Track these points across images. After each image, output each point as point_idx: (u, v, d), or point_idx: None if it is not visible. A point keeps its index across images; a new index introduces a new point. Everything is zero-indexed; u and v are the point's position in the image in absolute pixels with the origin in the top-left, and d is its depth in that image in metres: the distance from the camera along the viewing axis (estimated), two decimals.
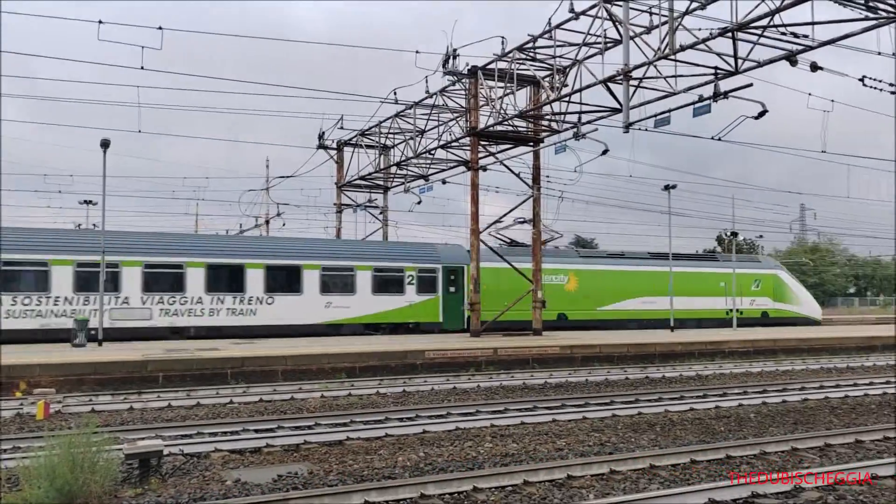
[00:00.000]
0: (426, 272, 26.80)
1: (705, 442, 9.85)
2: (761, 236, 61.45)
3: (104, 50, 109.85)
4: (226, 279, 24.79)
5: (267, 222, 40.99)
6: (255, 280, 25.03)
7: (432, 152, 27.53)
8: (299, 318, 25.43)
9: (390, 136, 29.44)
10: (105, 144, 20.94)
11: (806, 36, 15.72)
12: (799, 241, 72.53)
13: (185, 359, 16.61)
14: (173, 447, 9.01)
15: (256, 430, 10.39)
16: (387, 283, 26.98)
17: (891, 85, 17.15)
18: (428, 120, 26.87)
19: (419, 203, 31.63)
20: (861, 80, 16.90)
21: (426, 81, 25.26)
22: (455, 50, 23.49)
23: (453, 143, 26.64)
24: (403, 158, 28.97)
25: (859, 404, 13.49)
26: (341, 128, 31.04)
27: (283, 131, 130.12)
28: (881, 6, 14.07)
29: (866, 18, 14.50)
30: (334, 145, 32.83)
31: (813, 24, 15.29)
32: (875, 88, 17.06)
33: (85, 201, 43.37)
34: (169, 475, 7.92)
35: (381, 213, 33.94)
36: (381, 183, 33.33)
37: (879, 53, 15.18)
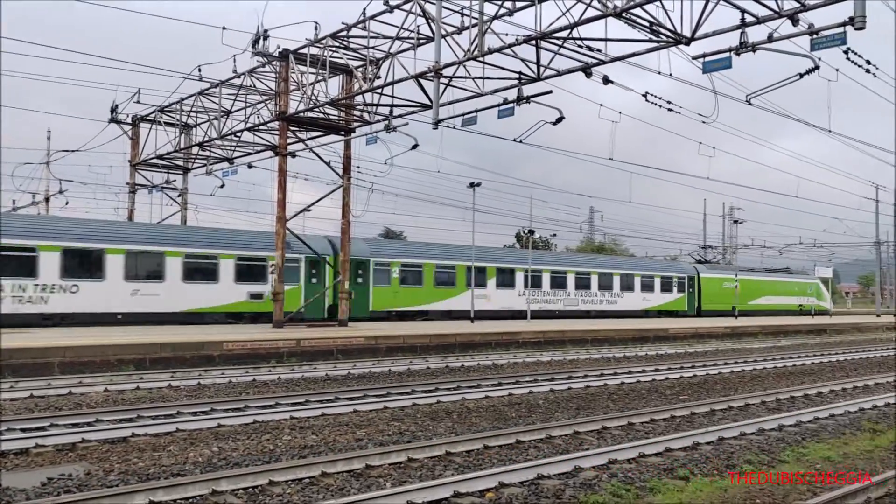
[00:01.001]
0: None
1: (498, 428, 10.34)
2: (555, 234, 65.82)
3: None
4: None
5: (47, 200, 37.07)
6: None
7: (238, 135, 26.42)
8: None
9: (193, 114, 27.81)
10: None
11: (599, 50, 17.02)
12: (587, 241, 78.57)
13: None
14: None
15: (23, 430, 9.35)
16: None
17: (669, 102, 19.05)
18: (235, 100, 25.73)
19: (222, 187, 30.22)
20: (644, 95, 18.61)
21: (234, 60, 24.17)
22: (266, 31, 22.69)
23: (261, 127, 25.74)
24: (207, 139, 27.49)
25: (633, 390, 14.87)
26: (138, 102, 28.89)
27: (68, 101, 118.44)
28: (662, 31, 15.56)
29: (650, 40, 15.97)
30: (129, 120, 30.43)
31: (606, 40, 16.59)
32: (656, 105, 18.87)
33: None
34: None
35: (179, 195, 32.00)
36: (181, 164, 31.43)
37: (659, 73, 16.78)
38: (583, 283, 39.27)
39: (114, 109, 29.70)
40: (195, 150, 29.24)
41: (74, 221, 26.10)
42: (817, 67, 15.44)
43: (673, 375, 17.19)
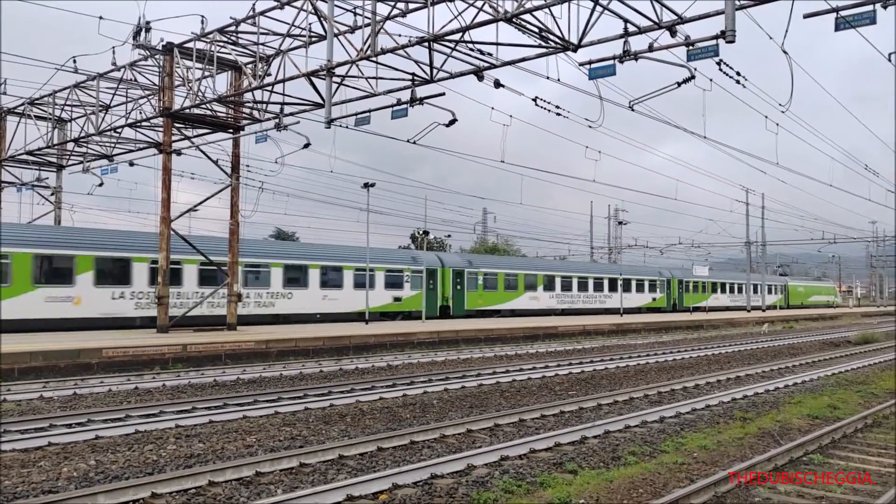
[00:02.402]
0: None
1: (392, 430, 10.32)
2: (449, 235, 66.43)
3: None
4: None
5: None
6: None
7: (118, 131, 25.08)
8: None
9: (68, 108, 26.18)
10: None
11: (490, 54, 17.30)
12: (481, 242, 79.77)
13: None
14: None
15: None
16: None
17: (557, 107, 19.61)
18: (114, 95, 24.40)
19: (101, 185, 28.63)
20: (534, 100, 19.07)
21: (113, 52, 22.93)
22: (148, 22, 21.64)
23: (144, 123, 24.55)
24: (83, 135, 25.93)
25: (524, 387, 15.21)
26: (4, 93, 26.87)
27: None
28: (551, 38, 16.00)
29: (540, 46, 16.39)
30: None
31: (498, 44, 16.88)
32: (545, 109, 19.37)
33: None
34: None
35: (52, 193, 30.06)
36: (55, 160, 29.53)
37: (548, 78, 17.24)
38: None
39: None
40: (70, 146, 27.54)
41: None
42: (693, 77, 16.33)
43: (562, 372, 17.72)
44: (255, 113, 23.37)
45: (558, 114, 19.51)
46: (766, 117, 19.64)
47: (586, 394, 14.11)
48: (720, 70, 15.87)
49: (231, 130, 24.92)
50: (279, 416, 11.29)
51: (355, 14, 18.59)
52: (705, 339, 31.59)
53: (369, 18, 17.28)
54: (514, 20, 15.40)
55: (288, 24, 19.54)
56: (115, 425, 10.19)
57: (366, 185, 32.06)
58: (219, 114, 24.23)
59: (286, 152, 23.19)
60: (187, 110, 22.78)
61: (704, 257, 68.35)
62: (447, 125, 19.22)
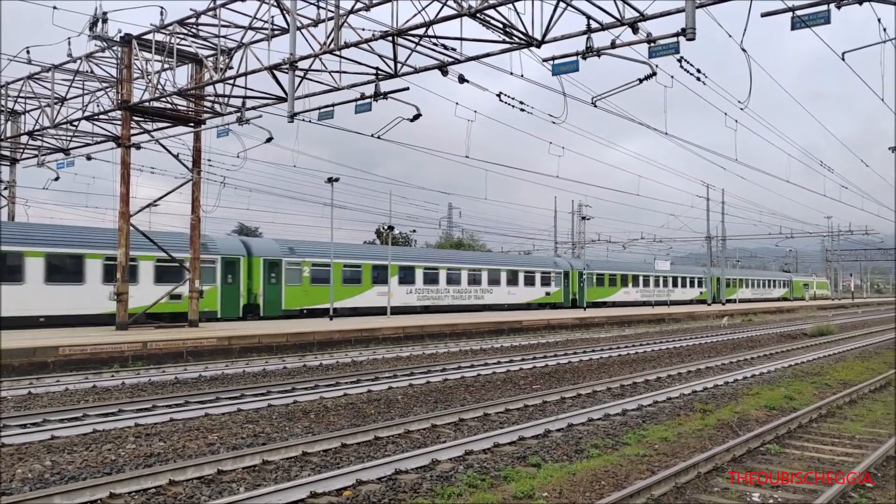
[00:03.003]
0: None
1: (356, 426, 10.27)
2: (415, 231, 66.34)
3: None
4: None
5: None
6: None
7: (75, 124, 24.51)
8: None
9: (21, 100, 25.50)
10: None
11: (454, 49, 17.30)
12: (446, 237, 79.80)
13: None
14: None
15: None
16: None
17: (521, 103, 19.67)
18: (70, 87, 23.83)
19: (57, 179, 27.89)
20: (499, 95, 19.11)
21: (69, 44, 22.37)
22: (105, 13, 21.15)
23: (101, 116, 24.03)
24: (38, 128, 25.29)
25: (489, 381, 15.27)
26: None
27: None
28: (515, 33, 16.05)
29: (504, 41, 16.43)
30: None
31: (462, 39, 16.88)
32: (510, 105, 19.43)
33: None
34: None
35: (5, 188, 29.26)
36: (8, 154, 28.74)
37: (512, 73, 17.28)
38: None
39: None
40: (24, 139, 26.84)
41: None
42: (655, 74, 16.51)
43: (527, 366, 17.83)
44: (217, 107, 23.03)
45: (522, 109, 19.57)
46: (726, 114, 19.95)
47: (550, 388, 14.22)
48: (681, 67, 16.07)
49: (192, 124, 24.53)
50: (242, 414, 11.17)
51: (318, 7, 18.40)
52: (667, 333, 32.08)
53: (333, 12, 17.13)
54: (478, 15, 15.40)
55: (250, 16, 19.31)
56: (72, 425, 9.98)
57: (330, 180, 31.84)
58: (179, 107, 23.82)
59: (248, 146, 22.79)
60: (146, 103, 22.34)
61: (666, 252, 69.36)
62: (412, 120, 19.19)
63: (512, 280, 43.64)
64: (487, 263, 43.26)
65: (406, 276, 36.63)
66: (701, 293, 62.62)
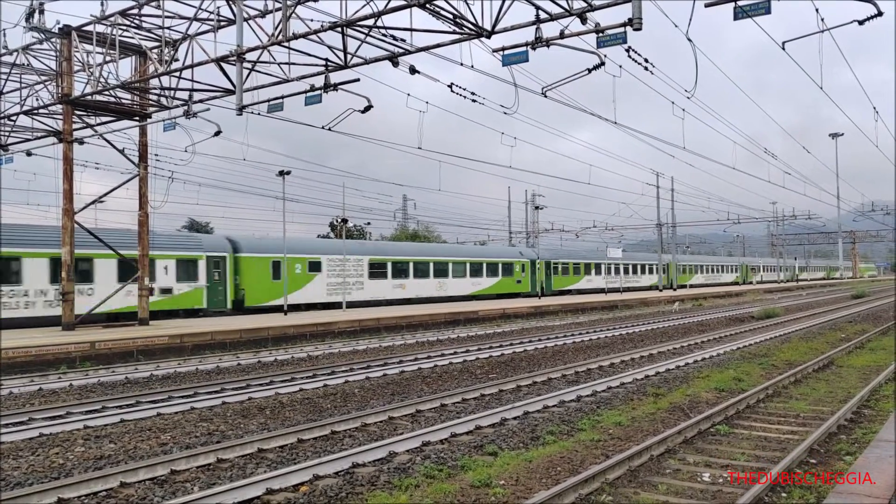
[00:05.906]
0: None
1: (313, 420, 10.21)
2: (369, 223, 66.01)
3: None
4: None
5: None
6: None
7: (13, 118, 23.68)
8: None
9: None
10: None
11: (404, 40, 17.20)
12: (402, 229, 79.60)
13: None
14: None
15: None
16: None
17: (473, 94, 19.69)
18: (7, 80, 22.98)
19: None
20: (450, 86, 19.08)
21: (3, 35, 21.56)
22: (42, 3, 20.45)
23: (41, 111, 23.25)
24: None
25: (445, 372, 15.32)
26: None
27: None
28: (465, 23, 16.03)
29: (454, 32, 16.40)
30: None
31: (412, 30, 16.78)
32: (461, 96, 19.41)
33: None
34: None
35: None
36: None
37: (462, 64, 17.28)
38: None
39: None
40: None
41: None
42: (603, 63, 16.67)
43: (483, 355, 17.94)
44: (163, 100, 22.46)
45: (474, 100, 19.58)
46: (674, 103, 20.31)
47: (506, 376, 14.33)
48: (629, 57, 16.27)
49: (137, 118, 23.91)
50: (195, 412, 10.99)
51: None
52: (620, 319, 32.60)
53: (280, 2, 16.86)
54: (427, 5, 15.34)
55: (195, 7, 18.85)
56: (17, 429, 9.70)
57: (281, 173, 31.42)
58: (123, 101, 23.20)
59: (196, 140, 22.35)
60: (89, 97, 21.69)
61: (618, 240, 70.37)
62: (363, 111, 19.02)
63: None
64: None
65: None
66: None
